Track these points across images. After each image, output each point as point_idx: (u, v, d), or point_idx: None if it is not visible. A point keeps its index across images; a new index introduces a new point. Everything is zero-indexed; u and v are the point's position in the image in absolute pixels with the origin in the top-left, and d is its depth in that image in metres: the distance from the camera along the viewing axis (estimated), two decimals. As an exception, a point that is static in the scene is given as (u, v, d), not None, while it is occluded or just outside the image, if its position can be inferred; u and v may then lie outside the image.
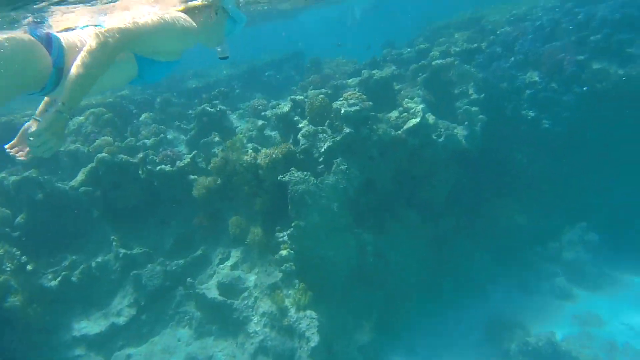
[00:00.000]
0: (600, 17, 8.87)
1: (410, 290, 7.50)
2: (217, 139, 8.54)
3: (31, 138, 2.14)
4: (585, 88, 8.29)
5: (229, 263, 7.09)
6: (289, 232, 6.57)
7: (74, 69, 2.22)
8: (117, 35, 2.38)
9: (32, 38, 2.28)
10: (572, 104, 8.46)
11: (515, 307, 7.89)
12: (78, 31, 2.66)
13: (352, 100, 7.15)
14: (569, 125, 8.54)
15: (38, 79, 2.33)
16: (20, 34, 2.25)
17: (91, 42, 2.28)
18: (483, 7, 14.55)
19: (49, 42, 2.33)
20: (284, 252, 6.48)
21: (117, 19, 2.82)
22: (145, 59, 2.73)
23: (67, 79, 2.21)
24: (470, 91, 8.68)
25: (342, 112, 6.99)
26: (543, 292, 8.23)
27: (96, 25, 2.76)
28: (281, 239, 6.65)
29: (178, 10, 2.95)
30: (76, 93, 2.24)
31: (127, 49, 2.55)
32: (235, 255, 7.15)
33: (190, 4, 3.23)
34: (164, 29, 2.65)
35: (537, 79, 8.91)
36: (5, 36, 2.17)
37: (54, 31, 2.49)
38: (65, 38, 2.46)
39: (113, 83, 2.81)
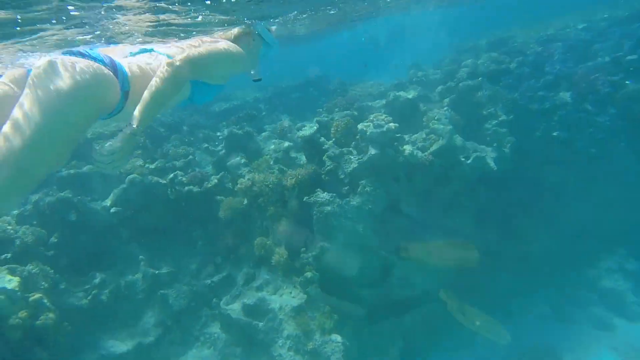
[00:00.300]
0: (637, 37, 8.66)
1: (437, 314, 7.27)
2: (243, 160, 8.66)
3: (105, 155, 2.32)
4: None
5: (254, 284, 7.07)
6: (314, 253, 6.53)
7: (147, 94, 2.40)
8: (188, 63, 2.58)
9: (103, 66, 2.44)
10: (607, 125, 8.20)
11: (550, 335, 7.53)
12: (137, 57, 2.84)
13: (378, 122, 7.14)
14: (604, 147, 8.27)
15: (113, 102, 2.50)
16: (91, 62, 2.39)
17: (164, 70, 2.47)
18: (511, 28, 14.46)
19: (115, 68, 2.50)
20: (309, 274, 6.43)
21: (170, 47, 3.01)
22: (199, 83, 2.90)
23: (139, 104, 2.39)
24: (499, 112, 8.54)
25: (368, 133, 6.98)
26: (579, 321, 7.84)
27: (149, 50, 2.93)
28: (306, 261, 6.61)
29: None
30: (149, 116, 2.43)
31: (195, 76, 2.73)
32: (260, 276, 7.13)
33: (231, 32, 3.43)
34: (224, 57, 2.88)
35: (569, 100, 8.70)
36: (86, 64, 2.32)
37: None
38: (125, 64, 2.63)
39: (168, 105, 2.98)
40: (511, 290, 8.09)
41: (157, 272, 7.25)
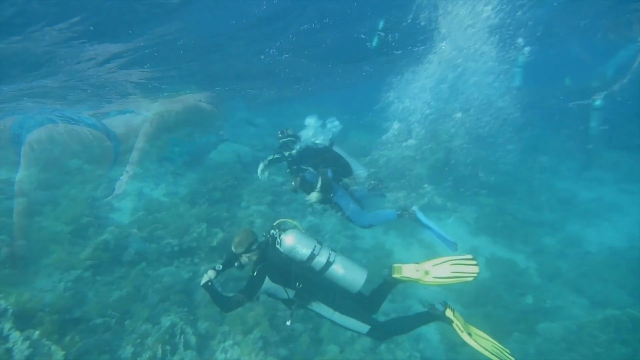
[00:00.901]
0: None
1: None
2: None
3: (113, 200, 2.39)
4: None
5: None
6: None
7: (140, 143, 2.52)
8: (169, 115, 2.72)
9: (97, 131, 2.55)
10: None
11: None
12: (118, 118, 2.97)
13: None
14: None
15: (107, 164, 2.60)
16: (86, 129, 2.48)
17: (148, 125, 2.60)
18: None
19: (107, 132, 2.61)
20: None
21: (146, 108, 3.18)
22: (176, 140, 3.00)
23: (132, 156, 2.51)
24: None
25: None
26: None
27: (128, 112, 3.06)
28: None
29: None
30: (141, 164, 2.50)
31: (173, 127, 2.86)
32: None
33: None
34: (197, 111, 3.03)
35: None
36: (83, 131, 2.41)
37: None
38: (114, 127, 2.76)
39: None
40: None
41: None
